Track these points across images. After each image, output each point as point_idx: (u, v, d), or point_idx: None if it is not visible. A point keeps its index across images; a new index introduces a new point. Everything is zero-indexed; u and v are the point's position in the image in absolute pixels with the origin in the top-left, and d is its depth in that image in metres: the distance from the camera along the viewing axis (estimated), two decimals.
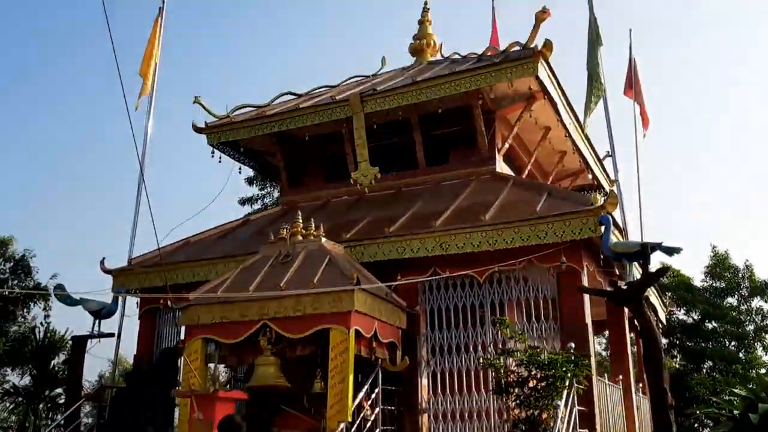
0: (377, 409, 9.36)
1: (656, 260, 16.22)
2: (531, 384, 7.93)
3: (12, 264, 20.44)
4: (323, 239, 10.05)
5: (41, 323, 20.41)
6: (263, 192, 25.81)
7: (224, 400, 7.77)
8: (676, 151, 67.52)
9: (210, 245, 12.36)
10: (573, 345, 8.39)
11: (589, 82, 11.16)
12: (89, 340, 11.37)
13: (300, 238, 10.13)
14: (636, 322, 9.63)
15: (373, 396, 9.41)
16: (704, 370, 21.21)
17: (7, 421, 20.47)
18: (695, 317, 22.26)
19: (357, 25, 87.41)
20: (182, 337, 11.54)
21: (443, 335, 10.21)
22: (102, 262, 12.09)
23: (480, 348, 9.96)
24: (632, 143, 13.20)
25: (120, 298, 11.75)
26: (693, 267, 36.26)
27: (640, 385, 12.47)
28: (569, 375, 7.88)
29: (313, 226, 10.25)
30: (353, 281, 8.73)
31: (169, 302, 8.88)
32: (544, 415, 7.81)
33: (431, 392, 9.98)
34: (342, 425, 8.30)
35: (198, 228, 13.27)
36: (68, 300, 11.62)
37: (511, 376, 8.08)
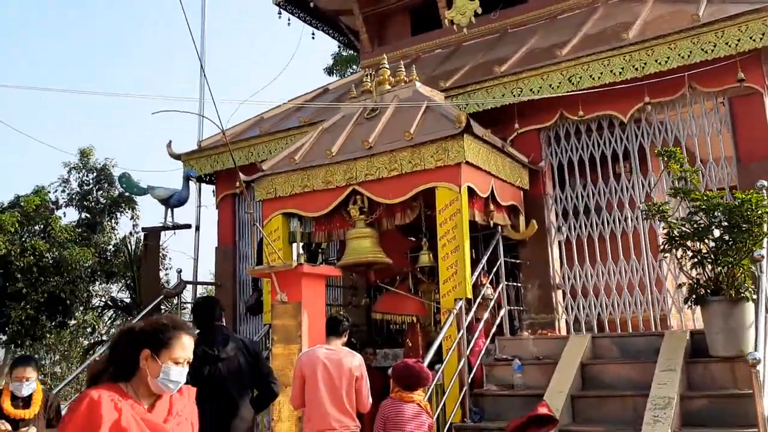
0: (500, 286, 7.56)
1: None
2: (715, 234, 5.84)
3: (95, 174, 19.66)
4: (417, 84, 8.05)
5: (130, 233, 19.82)
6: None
7: (311, 277, 6.14)
8: None
9: (285, 118, 10.62)
10: (766, 183, 6.17)
11: None
12: (163, 233, 10.08)
13: (388, 87, 8.19)
14: None
15: (494, 270, 7.60)
16: None
17: (108, 334, 20.28)
18: None
19: None
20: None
21: (576, 194, 8.14)
22: (169, 146, 10.64)
23: (627, 206, 7.86)
24: None
25: (192, 184, 10.32)
26: None
27: None
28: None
29: (404, 70, 8.26)
30: (461, 125, 6.76)
31: (239, 181, 7.22)
32: (736, 273, 5.75)
33: (565, 263, 8.05)
34: (460, 303, 6.56)
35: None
36: (134, 189, 10.32)
37: (686, 226, 6.00)
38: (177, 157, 10.76)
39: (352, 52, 17.80)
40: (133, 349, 2.51)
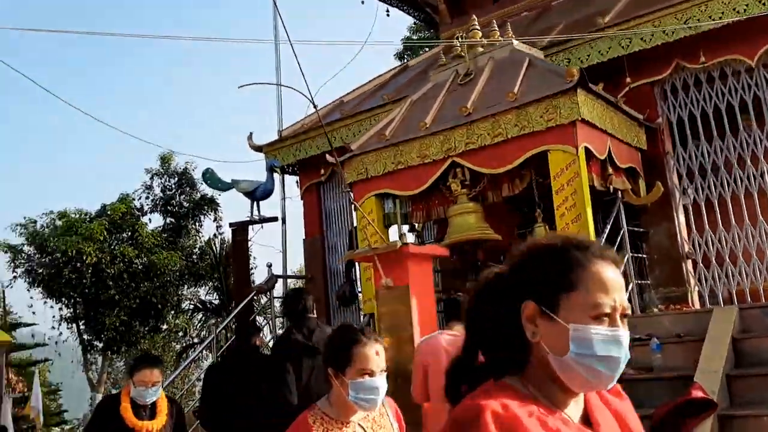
0: (624, 258, 6.76)
1: None
2: None
3: (176, 179, 19.75)
4: (515, 42, 7.33)
5: (214, 235, 19.82)
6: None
7: (418, 258, 5.55)
8: None
9: (366, 98, 10.08)
10: None
11: None
12: (250, 227, 9.72)
13: (481, 50, 7.50)
14: None
15: (618, 242, 6.81)
16: None
17: (199, 336, 20.38)
18: None
19: None
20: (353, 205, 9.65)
21: (701, 151, 7.25)
22: (250, 138, 10.28)
23: (763, 160, 6.92)
24: None
25: (276, 175, 9.91)
26: None
27: None
28: None
29: (497, 30, 7.56)
30: (573, 79, 6.02)
31: (336, 159, 6.71)
32: None
33: (694, 230, 7.16)
34: None
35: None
36: (219, 184, 10.00)
37: None
38: (258, 148, 10.39)
39: (429, 30, 17.12)
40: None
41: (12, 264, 17.33)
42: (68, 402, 24.21)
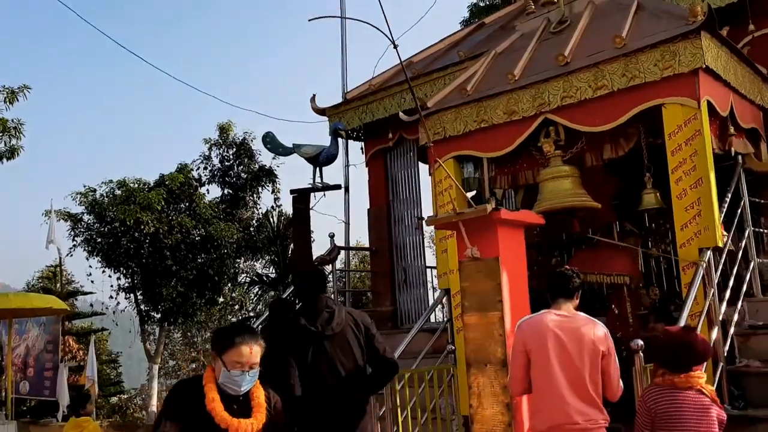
0: (746, 233, 5.83)
1: None
2: None
3: (234, 150, 19.33)
4: None
5: (272, 207, 19.40)
6: None
7: (510, 225, 4.77)
8: None
9: (439, 58, 9.27)
10: None
11: None
12: (312, 195, 9.07)
13: None
14: None
15: (738, 214, 5.88)
16: None
17: (255, 311, 20.07)
18: None
19: None
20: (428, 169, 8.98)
21: None
22: (313, 100, 9.61)
23: None
24: None
25: (340, 140, 9.21)
26: None
27: None
28: None
29: None
30: (697, 19, 5.09)
31: (420, 114, 5.98)
32: None
33: None
34: (708, 253, 4.95)
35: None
36: (279, 149, 9.34)
37: None
38: (321, 111, 9.72)
39: None
40: None
41: (72, 233, 17.20)
42: (126, 371, 24.41)
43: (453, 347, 6.03)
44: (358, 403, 4.08)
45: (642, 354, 4.27)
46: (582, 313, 3.86)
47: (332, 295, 9.35)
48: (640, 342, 4.27)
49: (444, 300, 6.58)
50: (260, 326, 7.26)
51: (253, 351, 2.85)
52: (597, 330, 3.74)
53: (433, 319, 8.05)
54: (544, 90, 5.80)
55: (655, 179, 5.74)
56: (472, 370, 4.86)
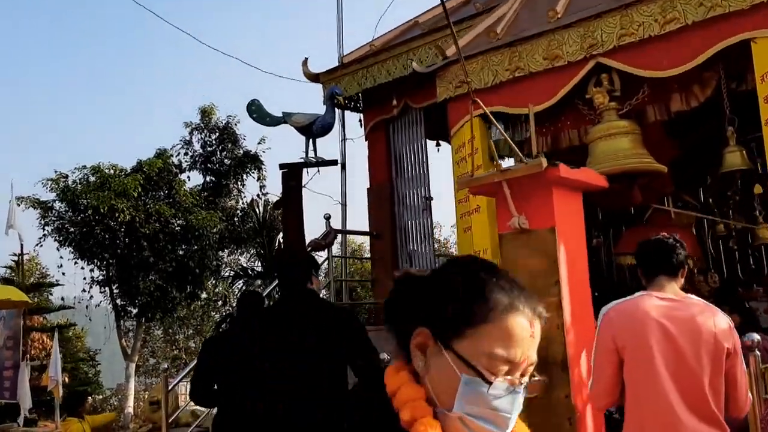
0: None
1: None
2: None
3: (217, 134, 18.13)
4: None
5: (258, 195, 18.22)
6: None
7: (569, 187, 3.68)
8: None
9: (453, 13, 8.13)
10: None
11: None
12: (305, 170, 7.94)
13: None
14: None
15: None
16: None
17: None
18: None
19: None
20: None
21: None
22: (305, 64, 8.46)
23: None
24: None
25: (336, 111, 8.09)
26: None
27: None
28: None
29: None
30: None
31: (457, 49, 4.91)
32: None
33: None
34: None
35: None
36: (267, 118, 8.22)
37: None
38: (314, 77, 8.56)
39: None
40: None
41: (41, 221, 15.91)
42: (109, 369, 23.13)
43: None
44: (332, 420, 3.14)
45: (759, 353, 3.18)
46: (695, 297, 2.77)
47: (328, 285, 8.23)
48: (757, 337, 3.18)
49: None
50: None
51: (536, 332, 1.19)
52: (718, 320, 2.65)
53: None
54: (596, 28, 4.71)
55: (740, 135, 4.66)
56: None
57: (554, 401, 3.62)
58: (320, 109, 8.04)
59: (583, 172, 3.84)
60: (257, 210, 18.47)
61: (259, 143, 17.79)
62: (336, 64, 8.59)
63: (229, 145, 18.03)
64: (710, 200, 5.89)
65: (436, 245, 8.05)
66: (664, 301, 2.70)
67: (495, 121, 3.94)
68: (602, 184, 4.00)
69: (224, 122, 18.15)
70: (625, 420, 2.72)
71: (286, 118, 8.03)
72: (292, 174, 7.82)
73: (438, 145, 9.24)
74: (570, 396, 3.57)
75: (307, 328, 3.21)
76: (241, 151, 17.87)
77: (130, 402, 16.58)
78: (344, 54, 8.65)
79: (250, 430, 3.32)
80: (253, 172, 17.89)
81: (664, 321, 2.64)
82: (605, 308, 2.82)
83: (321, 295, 3.74)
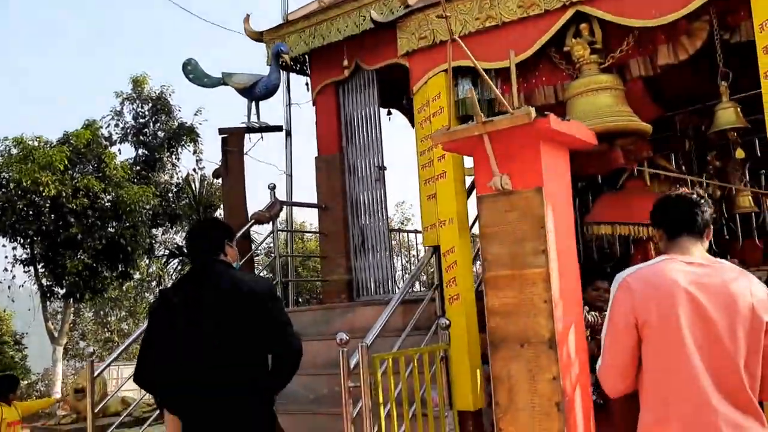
0: None
1: None
2: None
3: (150, 105, 17.11)
4: None
5: (194, 170, 17.36)
6: None
7: (556, 141, 3.23)
8: None
9: None
10: None
11: None
12: (246, 136, 7.29)
13: None
14: None
15: None
16: None
17: None
18: None
19: None
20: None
21: None
22: (246, 21, 7.76)
23: None
24: None
25: (281, 71, 7.45)
26: None
27: None
28: None
29: None
30: None
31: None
32: None
33: None
34: None
35: None
36: (204, 79, 7.51)
37: None
38: (258, 36, 7.88)
39: None
40: None
41: None
42: (38, 353, 21.87)
43: (447, 321, 4.47)
44: (251, 410, 2.80)
45: None
46: (726, 261, 2.35)
47: (272, 262, 7.64)
48: None
49: (433, 261, 5.00)
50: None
51: None
52: (756, 288, 2.24)
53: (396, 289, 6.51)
54: None
55: (733, 89, 4.29)
56: (499, 352, 3.31)
57: (540, 384, 3.19)
58: (265, 72, 7.39)
59: (573, 125, 3.38)
60: (193, 185, 17.62)
61: (195, 114, 16.95)
62: (281, 21, 7.91)
63: (163, 117, 17.08)
64: (688, 167, 5.56)
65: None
66: (693, 266, 2.27)
67: (480, 69, 3.44)
68: (592, 141, 3.56)
69: (158, 92, 17.16)
70: (642, 409, 2.28)
71: (225, 79, 7.35)
72: (232, 139, 7.16)
73: (389, 113, 8.74)
74: (558, 378, 3.14)
75: (209, 309, 2.79)
76: (176, 123, 16.96)
77: (57, 387, 15.63)
78: (289, 11, 7.97)
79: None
80: (189, 145, 17.03)
81: (693, 290, 2.21)
82: (621, 274, 2.36)
83: (237, 266, 3.19)
